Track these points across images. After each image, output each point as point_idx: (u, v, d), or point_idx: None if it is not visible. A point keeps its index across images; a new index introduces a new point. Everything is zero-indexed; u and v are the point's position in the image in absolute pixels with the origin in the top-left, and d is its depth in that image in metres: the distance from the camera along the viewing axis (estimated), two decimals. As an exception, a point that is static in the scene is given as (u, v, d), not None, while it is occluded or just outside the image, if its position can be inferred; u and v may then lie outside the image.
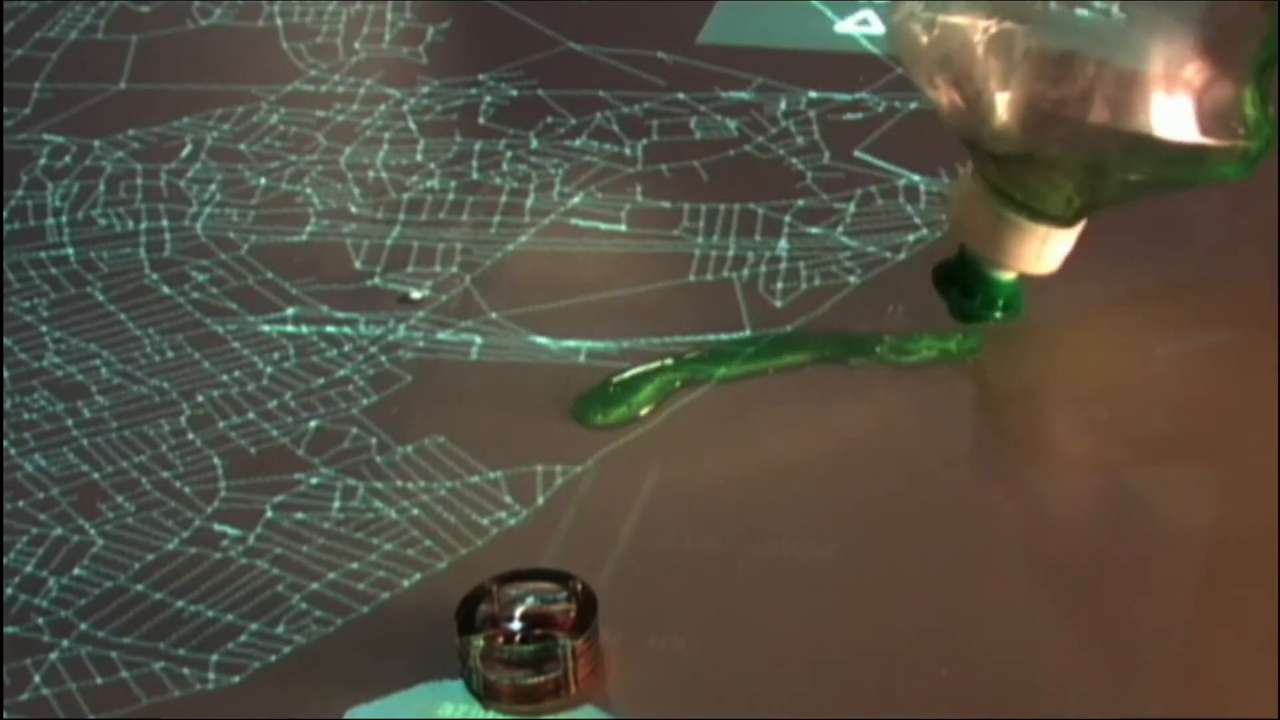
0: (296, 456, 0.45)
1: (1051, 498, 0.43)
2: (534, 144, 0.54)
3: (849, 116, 0.53)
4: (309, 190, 0.53)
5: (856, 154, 0.52)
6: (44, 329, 0.49)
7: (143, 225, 0.52)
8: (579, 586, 0.40)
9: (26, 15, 0.61)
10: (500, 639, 0.39)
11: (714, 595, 0.41)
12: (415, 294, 0.44)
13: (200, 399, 0.47)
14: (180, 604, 0.42)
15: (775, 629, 0.40)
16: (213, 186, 0.54)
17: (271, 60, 0.58)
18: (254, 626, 0.41)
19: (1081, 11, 0.39)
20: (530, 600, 0.40)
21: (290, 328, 0.49)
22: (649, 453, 0.44)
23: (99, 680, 0.40)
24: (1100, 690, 0.38)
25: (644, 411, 0.45)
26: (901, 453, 0.44)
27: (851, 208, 0.50)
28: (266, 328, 0.49)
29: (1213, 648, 0.39)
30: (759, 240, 0.50)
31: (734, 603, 0.41)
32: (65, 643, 0.41)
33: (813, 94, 0.54)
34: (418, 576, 0.42)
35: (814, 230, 0.50)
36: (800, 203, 0.51)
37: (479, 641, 0.39)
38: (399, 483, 0.44)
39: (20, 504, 0.45)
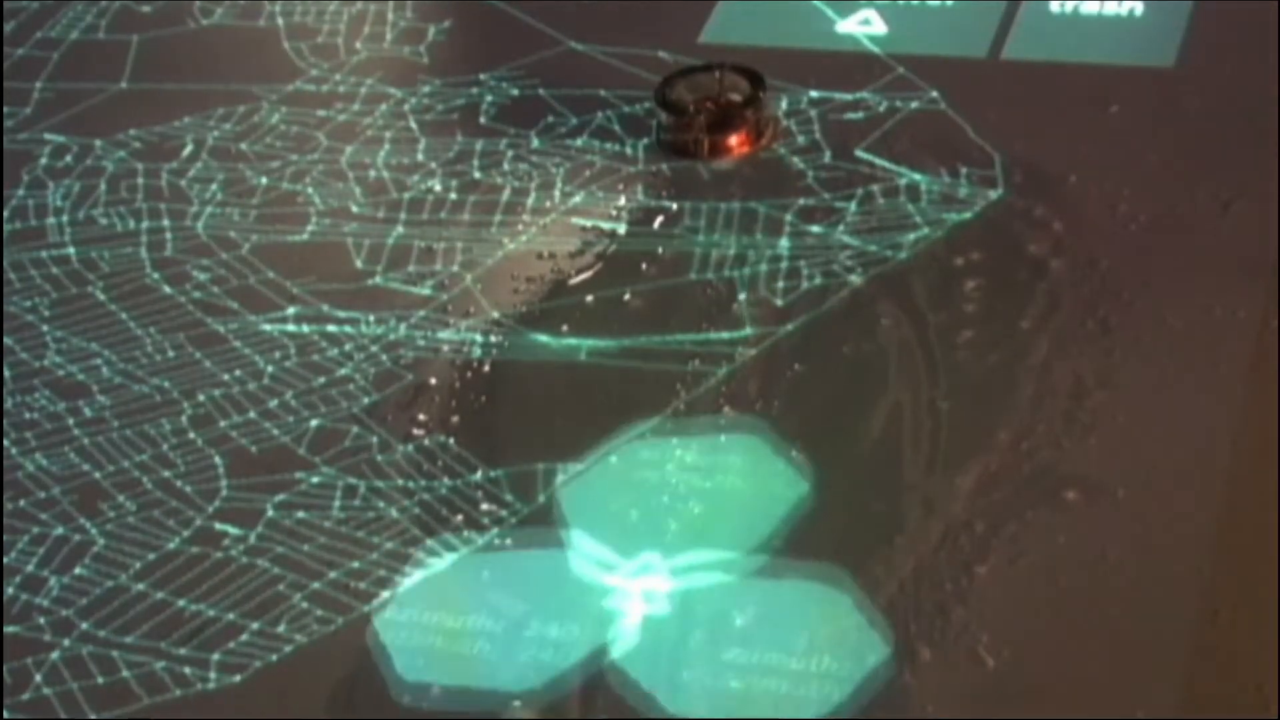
0: (298, 455, 0.45)
1: (1051, 495, 0.43)
2: (535, 143, 0.54)
3: (850, 116, 0.53)
4: (310, 190, 0.53)
5: (858, 153, 0.52)
6: (45, 328, 0.49)
7: (144, 225, 0.52)
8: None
9: (27, 15, 0.61)
10: None
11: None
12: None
13: (201, 398, 0.47)
14: (181, 603, 0.42)
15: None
16: (214, 186, 0.54)
17: (272, 60, 0.59)
18: (255, 625, 0.41)
19: None
20: None
21: (291, 327, 0.49)
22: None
23: (100, 679, 0.41)
24: (1100, 689, 0.38)
25: None
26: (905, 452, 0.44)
27: (853, 207, 0.50)
28: (268, 327, 0.49)
29: (1213, 647, 0.39)
30: (760, 239, 0.50)
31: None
32: (66, 642, 0.41)
33: (814, 93, 0.54)
34: (419, 575, 0.42)
35: (815, 229, 0.50)
36: (801, 201, 0.51)
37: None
38: (400, 481, 0.44)
39: (21, 503, 0.45)
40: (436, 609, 0.41)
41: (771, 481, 0.43)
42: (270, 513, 0.44)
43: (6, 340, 0.49)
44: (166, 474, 0.45)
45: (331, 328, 0.49)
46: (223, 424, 0.46)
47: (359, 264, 0.50)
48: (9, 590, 0.42)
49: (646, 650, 0.40)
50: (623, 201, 0.52)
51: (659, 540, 0.42)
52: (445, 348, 0.48)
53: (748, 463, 0.43)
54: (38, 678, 0.41)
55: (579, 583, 0.41)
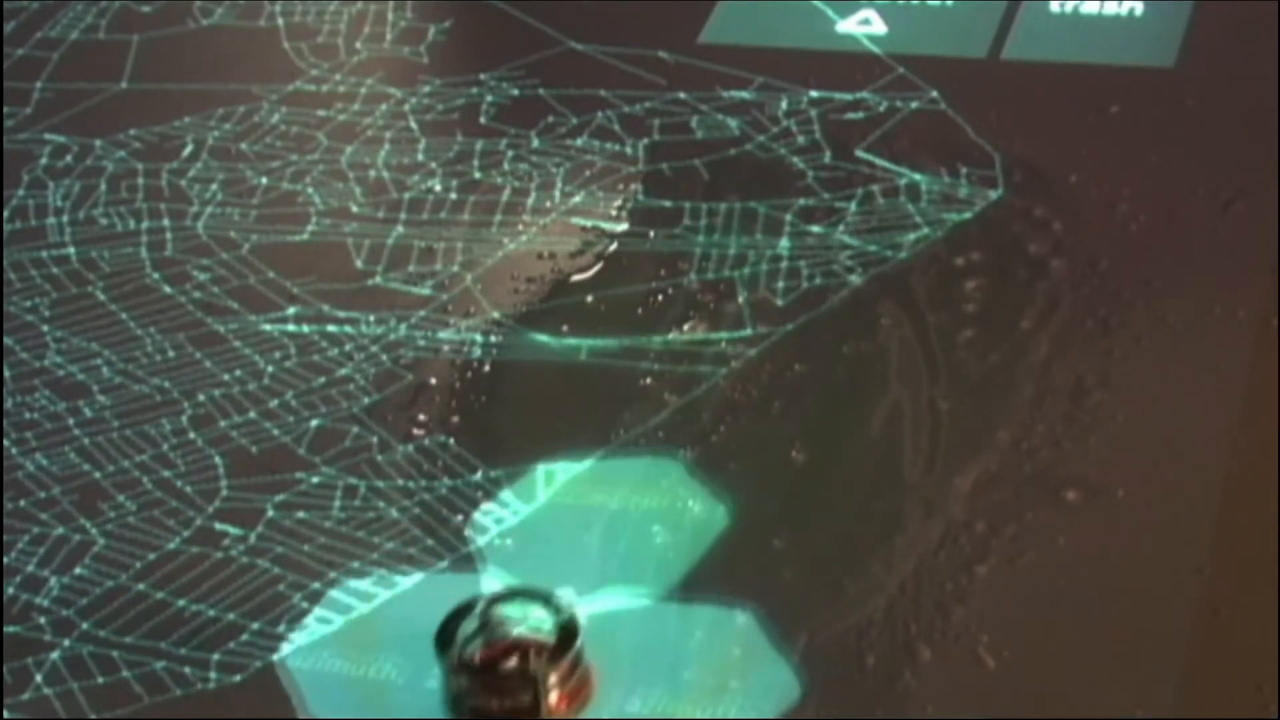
0: (298, 455, 0.45)
1: (1051, 495, 0.43)
2: (535, 143, 0.54)
3: (850, 116, 0.53)
4: (310, 190, 0.53)
5: (858, 153, 0.52)
6: (45, 328, 0.49)
7: (144, 224, 0.52)
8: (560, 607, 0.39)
9: (27, 15, 0.61)
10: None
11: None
12: None
13: (201, 398, 0.47)
14: (181, 603, 0.42)
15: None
16: (214, 186, 0.54)
17: (273, 60, 0.59)
18: (255, 625, 0.41)
19: None
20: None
21: (291, 327, 0.49)
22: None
23: (100, 679, 0.41)
24: (1100, 689, 0.38)
25: None
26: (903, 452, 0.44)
27: (853, 207, 0.50)
28: (268, 327, 0.49)
29: (1213, 647, 0.39)
30: (760, 239, 0.50)
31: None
32: (66, 642, 0.41)
33: (814, 93, 0.54)
34: (419, 576, 0.42)
35: (815, 229, 0.50)
36: (801, 202, 0.51)
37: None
38: (400, 482, 0.44)
39: (21, 503, 0.45)
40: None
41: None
42: (270, 513, 0.44)
43: (6, 340, 0.49)
44: (166, 474, 0.45)
45: (332, 328, 0.49)
46: (223, 424, 0.46)
47: (359, 264, 0.50)
48: (9, 590, 0.42)
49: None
50: (622, 201, 0.52)
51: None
52: (445, 348, 0.48)
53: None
54: (38, 678, 0.41)
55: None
